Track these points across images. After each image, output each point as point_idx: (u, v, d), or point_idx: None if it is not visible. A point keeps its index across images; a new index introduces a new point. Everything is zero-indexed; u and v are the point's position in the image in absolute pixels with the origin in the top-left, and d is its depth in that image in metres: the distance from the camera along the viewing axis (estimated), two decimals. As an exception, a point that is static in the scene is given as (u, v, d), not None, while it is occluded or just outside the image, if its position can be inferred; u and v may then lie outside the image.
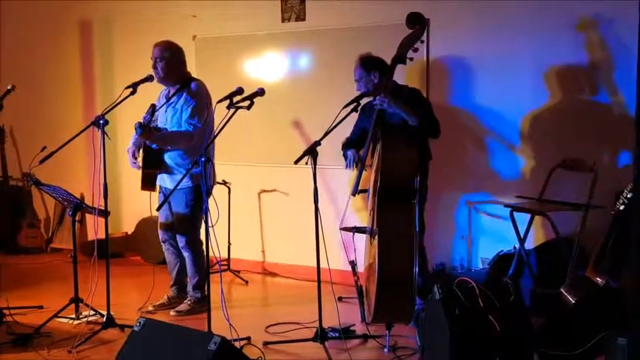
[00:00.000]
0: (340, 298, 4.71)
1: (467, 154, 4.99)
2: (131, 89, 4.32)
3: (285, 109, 5.54)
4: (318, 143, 3.88)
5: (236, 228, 5.63)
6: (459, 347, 3.17)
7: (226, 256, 5.63)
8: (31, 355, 3.91)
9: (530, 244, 4.59)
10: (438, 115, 4.35)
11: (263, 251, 5.82)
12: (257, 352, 3.86)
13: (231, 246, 5.63)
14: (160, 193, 4.72)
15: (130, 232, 6.30)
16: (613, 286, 3.56)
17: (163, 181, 4.65)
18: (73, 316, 4.44)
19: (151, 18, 6.08)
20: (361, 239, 4.53)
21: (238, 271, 5.65)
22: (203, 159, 3.79)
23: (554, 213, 4.28)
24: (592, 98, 4.59)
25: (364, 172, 4.36)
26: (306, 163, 3.85)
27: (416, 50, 4.17)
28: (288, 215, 5.60)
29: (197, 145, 4.42)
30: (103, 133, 4.16)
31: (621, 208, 3.48)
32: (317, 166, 3.87)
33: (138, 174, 4.66)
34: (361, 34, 5.16)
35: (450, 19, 4.83)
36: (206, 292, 4.07)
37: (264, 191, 5.76)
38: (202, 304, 4.52)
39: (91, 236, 6.18)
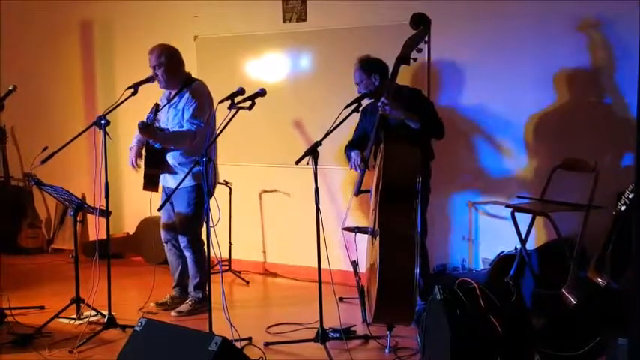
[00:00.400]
0: (341, 299, 4.70)
1: (468, 155, 4.99)
2: (132, 89, 4.33)
3: (286, 109, 5.54)
4: (319, 144, 3.88)
5: (237, 228, 5.64)
6: (460, 348, 3.17)
7: (227, 257, 5.63)
8: (33, 356, 3.91)
9: (531, 245, 4.59)
10: (439, 115, 4.35)
11: (264, 251, 5.82)
12: (258, 352, 3.86)
13: (232, 246, 5.64)
14: (162, 193, 4.72)
15: (131, 233, 6.30)
16: (614, 287, 3.55)
17: (165, 180, 4.66)
18: (75, 316, 4.44)
19: (152, 18, 6.09)
20: (362, 240, 4.54)
21: (239, 272, 5.66)
22: (204, 159, 3.80)
23: (555, 213, 4.27)
24: (593, 99, 4.59)
25: (366, 173, 4.36)
26: (307, 164, 3.85)
27: (420, 51, 4.17)
28: (289, 216, 5.60)
29: (199, 144, 4.43)
30: (105, 133, 4.17)
31: (622, 208, 3.47)
32: (318, 167, 3.87)
33: (140, 174, 4.66)
34: (362, 34, 5.16)
35: (452, 21, 4.83)
36: (207, 293, 4.08)
37: (265, 192, 5.76)
38: (203, 305, 4.52)
39: (92, 236, 6.20)
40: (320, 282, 3.93)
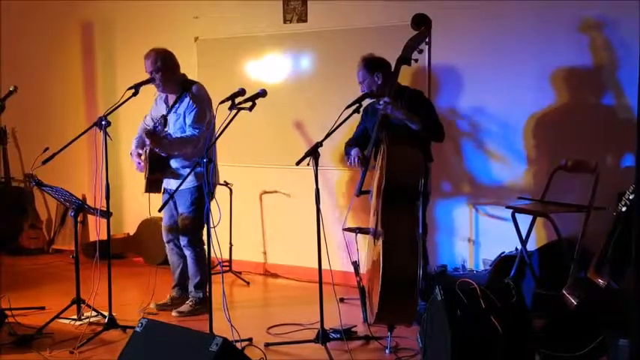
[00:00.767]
0: (342, 299, 4.70)
1: (468, 156, 4.99)
2: (133, 90, 4.32)
3: (287, 110, 5.54)
4: (319, 144, 3.88)
5: (238, 229, 5.64)
6: (461, 348, 3.17)
7: (228, 257, 5.63)
8: (33, 356, 3.91)
9: (532, 246, 4.58)
10: (440, 118, 4.35)
11: (264, 252, 5.82)
12: (259, 353, 3.86)
13: (232, 247, 5.64)
14: (165, 195, 4.72)
15: (131, 233, 6.31)
16: (615, 288, 3.55)
17: (169, 184, 4.66)
18: (75, 317, 4.44)
19: (152, 19, 6.09)
20: (363, 240, 4.54)
21: (240, 272, 5.66)
22: (205, 160, 3.80)
23: (556, 214, 4.27)
24: (594, 100, 4.59)
25: (367, 173, 4.36)
26: (308, 165, 3.85)
27: (421, 52, 4.17)
28: (290, 216, 5.60)
29: (201, 147, 4.44)
30: (105, 134, 4.17)
31: (623, 209, 3.47)
32: (319, 168, 3.87)
33: (140, 175, 4.66)
34: (363, 35, 5.16)
35: (452, 22, 4.83)
36: (207, 293, 4.08)
37: (266, 192, 5.76)
38: (204, 305, 4.52)
39: (92, 237, 6.21)
40: (320, 283, 3.93)
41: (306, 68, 5.55)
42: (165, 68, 4.52)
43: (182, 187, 4.32)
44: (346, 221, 4.62)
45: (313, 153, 3.84)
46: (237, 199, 5.62)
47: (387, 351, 3.94)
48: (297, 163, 3.85)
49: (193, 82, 4.66)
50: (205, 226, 3.92)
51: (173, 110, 4.58)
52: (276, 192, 5.71)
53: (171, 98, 4.64)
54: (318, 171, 3.87)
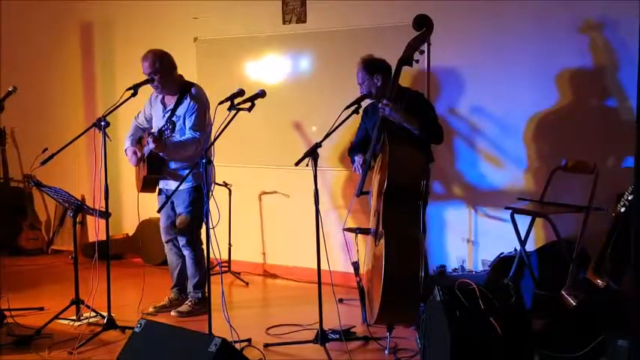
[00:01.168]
0: (341, 300, 4.70)
1: (468, 157, 4.99)
2: (132, 91, 4.32)
3: (286, 110, 5.54)
4: (318, 145, 3.88)
5: (237, 229, 5.64)
6: (460, 349, 3.17)
7: (227, 258, 5.63)
8: (32, 357, 3.91)
9: (531, 246, 4.59)
10: (439, 118, 4.35)
11: (264, 253, 5.82)
12: (258, 353, 3.86)
13: (231, 247, 5.64)
14: (160, 194, 4.73)
15: (130, 234, 6.31)
16: (614, 288, 3.55)
17: (167, 184, 4.65)
18: (74, 317, 4.44)
19: (152, 20, 6.09)
20: (363, 241, 4.54)
21: (239, 273, 5.66)
22: (204, 160, 3.80)
23: (555, 215, 4.27)
24: (593, 101, 4.59)
25: (367, 174, 4.36)
26: (307, 165, 3.85)
27: (422, 52, 4.18)
28: (289, 217, 5.60)
29: (201, 149, 4.43)
30: (104, 134, 4.17)
31: (622, 210, 3.47)
32: (318, 168, 3.87)
33: (139, 178, 4.66)
34: (362, 36, 5.16)
35: (452, 22, 4.83)
36: (207, 294, 4.08)
37: (265, 193, 5.76)
38: (203, 305, 4.52)
39: (91, 238, 6.21)
40: (320, 283, 3.93)
41: (305, 69, 5.55)
42: (163, 70, 4.51)
43: (180, 188, 4.31)
44: (346, 221, 4.61)
45: (312, 153, 3.84)
46: (236, 199, 5.62)
47: (386, 351, 3.94)
48: (297, 164, 3.85)
49: (192, 84, 4.66)
50: (204, 226, 3.92)
51: (174, 115, 4.58)
52: (275, 192, 5.71)
53: (168, 99, 4.64)
54: (317, 171, 3.87)
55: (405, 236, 3.96)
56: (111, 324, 4.23)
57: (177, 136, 4.52)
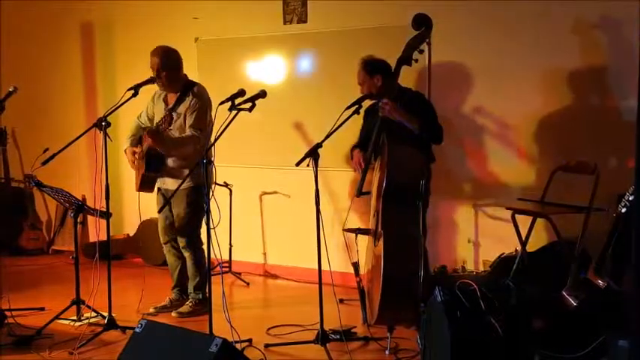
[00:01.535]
0: (341, 300, 4.70)
1: (468, 157, 4.99)
2: (133, 91, 4.32)
3: (286, 111, 5.54)
4: (319, 145, 3.88)
5: (237, 230, 5.64)
6: (461, 349, 3.17)
7: (227, 258, 5.63)
8: (33, 357, 3.92)
9: (532, 247, 4.58)
10: (440, 118, 4.35)
11: (264, 253, 5.82)
12: (258, 354, 3.86)
13: (232, 248, 5.64)
14: (158, 194, 4.72)
15: (131, 234, 6.31)
16: (615, 289, 3.55)
17: (164, 183, 4.65)
18: (75, 317, 4.44)
19: (152, 20, 6.10)
20: (363, 241, 4.53)
21: (239, 273, 5.66)
22: (205, 160, 3.80)
23: (555, 215, 4.27)
24: (594, 101, 4.60)
25: (367, 174, 4.36)
26: (308, 165, 3.85)
27: (421, 52, 4.18)
28: (290, 217, 5.60)
29: (200, 148, 4.43)
30: (105, 134, 4.17)
31: (623, 210, 3.47)
32: (318, 168, 3.87)
33: (138, 177, 4.65)
34: (363, 36, 5.16)
35: (453, 22, 4.83)
36: (207, 294, 4.08)
37: (266, 193, 5.76)
38: (204, 306, 4.52)
39: (92, 238, 6.21)
40: (320, 284, 3.93)
41: (306, 69, 5.55)
42: (171, 66, 4.52)
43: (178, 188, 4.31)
44: (346, 222, 4.61)
45: (313, 154, 3.84)
46: (237, 199, 5.62)
47: (386, 352, 3.94)
48: (297, 164, 3.85)
49: (195, 83, 4.67)
50: (205, 226, 3.92)
51: (173, 109, 4.58)
52: (276, 193, 5.71)
53: (171, 97, 4.64)
54: (318, 172, 3.87)
55: (403, 236, 3.96)
56: (111, 324, 4.23)
57: (176, 133, 4.52)
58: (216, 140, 4.11)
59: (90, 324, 4.35)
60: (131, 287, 5.37)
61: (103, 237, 4.39)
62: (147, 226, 5.93)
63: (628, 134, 4.13)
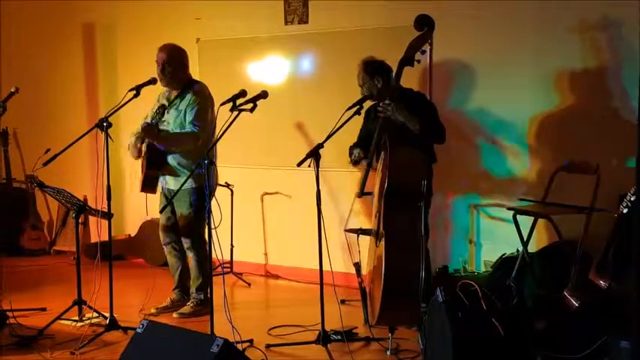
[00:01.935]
0: (343, 301, 4.70)
1: (469, 157, 4.98)
2: (134, 92, 4.33)
3: (288, 111, 5.54)
4: (320, 146, 3.88)
5: (239, 230, 5.64)
6: (462, 350, 3.17)
7: (229, 259, 5.63)
8: (34, 357, 3.92)
9: (533, 247, 4.58)
10: (441, 118, 4.35)
11: (265, 253, 5.82)
12: (259, 354, 3.86)
13: (233, 248, 5.64)
14: (161, 194, 4.73)
15: (133, 235, 6.31)
16: (616, 289, 3.55)
17: (166, 182, 4.66)
18: (76, 318, 4.44)
19: (154, 21, 6.10)
20: (365, 241, 4.53)
21: (241, 274, 5.66)
22: (206, 161, 3.80)
23: (557, 216, 4.27)
24: (596, 101, 4.59)
25: (369, 174, 4.36)
26: (309, 166, 3.85)
27: (423, 52, 4.18)
28: (291, 218, 5.60)
29: (201, 146, 4.44)
30: (107, 135, 4.17)
31: (625, 211, 3.47)
32: (320, 169, 3.87)
33: (140, 177, 4.66)
34: (364, 36, 5.16)
35: (454, 22, 4.82)
36: (209, 295, 4.07)
37: (267, 194, 5.76)
38: (205, 307, 4.52)
39: (94, 238, 6.21)
40: (321, 284, 3.93)
41: (307, 69, 5.55)
42: (177, 63, 4.54)
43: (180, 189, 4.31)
44: (348, 222, 4.61)
45: (314, 154, 3.84)
46: (238, 200, 5.62)
47: (388, 352, 3.94)
48: (299, 165, 3.85)
49: (196, 81, 4.68)
50: (206, 227, 3.92)
51: (174, 107, 4.59)
52: (277, 193, 5.71)
53: (175, 96, 4.65)
54: (319, 172, 3.87)
55: (405, 237, 3.96)
56: (113, 325, 4.23)
57: (177, 129, 4.51)
58: (217, 141, 4.12)
59: (91, 324, 4.35)
60: (132, 288, 5.37)
61: (105, 237, 4.39)
62: (148, 226, 5.94)
63: (629, 134, 4.14)
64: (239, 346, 3.73)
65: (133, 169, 4.86)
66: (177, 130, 4.54)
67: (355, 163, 4.43)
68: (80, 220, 4.56)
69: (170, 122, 4.59)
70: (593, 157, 4.32)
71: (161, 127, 4.57)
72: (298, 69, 5.57)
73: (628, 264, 3.45)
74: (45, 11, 6.62)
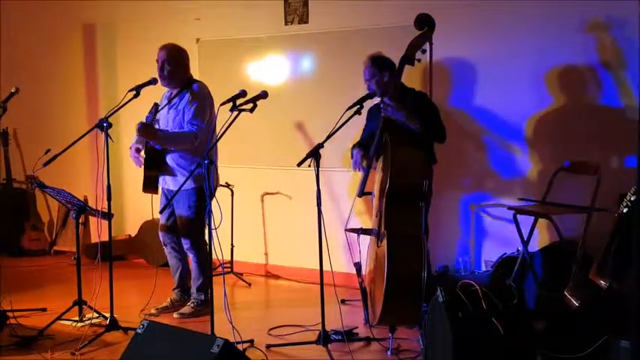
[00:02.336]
0: (343, 301, 4.70)
1: (470, 157, 4.98)
2: (134, 92, 4.33)
3: (288, 111, 5.54)
4: (321, 146, 3.88)
5: (239, 230, 5.64)
6: (462, 350, 3.17)
7: (229, 259, 5.63)
8: (35, 358, 3.92)
9: (533, 247, 4.58)
10: (442, 117, 4.35)
11: (266, 254, 5.82)
12: (260, 354, 3.86)
13: (234, 248, 5.64)
14: (162, 195, 4.73)
15: (133, 235, 6.31)
16: (616, 289, 3.55)
17: (165, 182, 4.66)
18: (77, 318, 4.44)
19: (154, 21, 6.10)
20: (366, 241, 4.53)
21: (241, 274, 5.66)
22: (206, 161, 3.80)
23: (557, 216, 4.27)
24: (596, 101, 4.59)
25: (370, 174, 4.36)
26: (309, 166, 3.85)
27: (424, 52, 4.17)
28: (291, 218, 5.60)
29: (199, 146, 4.44)
30: (107, 135, 4.17)
31: (625, 210, 3.47)
32: (320, 169, 3.87)
33: (141, 176, 4.66)
34: (364, 36, 5.16)
35: (454, 21, 4.82)
36: (209, 295, 4.07)
37: (267, 194, 5.76)
38: (205, 307, 4.52)
39: (94, 239, 6.22)
40: (322, 284, 3.93)
41: (307, 69, 5.55)
42: (177, 61, 4.55)
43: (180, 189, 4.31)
44: (349, 222, 4.61)
45: (314, 154, 3.84)
46: (238, 200, 5.63)
47: (388, 352, 3.94)
48: (299, 165, 3.85)
49: (196, 81, 4.68)
50: (207, 227, 3.92)
51: (173, 106, 4.59)
52: (277, 193, 5.71)
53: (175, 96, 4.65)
54: (320, 172, 3.87)
55: (407, 237, 3.96)
56: (113, 325, 4.23)
57: (176, 129, 4.51)
58: (217, 141, 4.11)
59: (92, 325, 4.35)
60: (133, 288, 5.38)
61: (105, 238, 4.39)
62: (148, 226, 5.94)
63: (630, 134, 4.15)
64: (239, 347, 3.73)
65: (133, 169, 4.84)
66: (176, 130, 4.53)
67: (358, 166, 4.42)
68: (80, 221, 4.56)
69: (170, 121, 4.59)
70: (594, 157, 4.32)
71: (161, 128, 4.57)
72: (298, 69, 5.57)
73: (628, 264, 3.45)
74: (45, 11, 6.62)
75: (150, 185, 4.62)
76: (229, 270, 5.60)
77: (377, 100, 4.34)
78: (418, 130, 4.11)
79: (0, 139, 6.50)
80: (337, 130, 3.93)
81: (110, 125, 4.18)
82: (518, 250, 4.59)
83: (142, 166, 4.63)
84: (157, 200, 4.71)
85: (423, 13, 4.19)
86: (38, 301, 4.86)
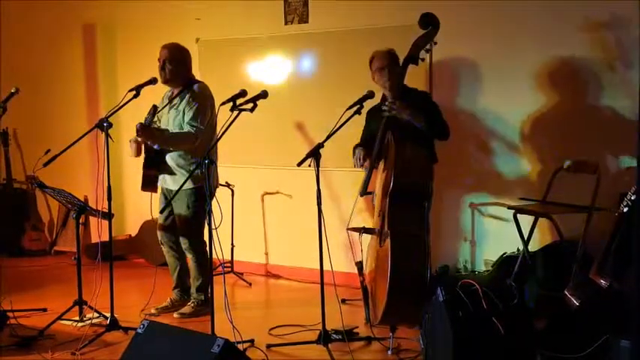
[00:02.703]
0: (343, 301, 4.70)
1: (470, 156, 4.98)
2: (134, 92, 4.33)
3: (288, 111, 5.54)
4: (321, 145, 3.88)
5: (239, 230, 5.64)
6: (463, 350, 3.17)
7: (230, 259, 5.63)
8: (35, 358, 3.92)
9: (534, 247, 4.58)
10: (443, 117, 4.35)
11: (266, 253, 5.82)
12: (260, 354, 3.86)
13: (234, 248, 5.64)
14: (161, 194, 4.73)
15: (133, 235, 6.31)
16: (617, 288, 3.55)
17: (165, 182, 4.65)
18: (77, 318, 4.44)
19: (154, 21, 6.10)
20: (367, 241, 4.53)
21: (241, 274, 5.66)
22: (206, 161, 3.80)
23: (557, 215, 4.27)
24: (596, 101, 4.58)
25: (372, 173, 4.35)
26: (309, 165, 3.85)
27: (428, 51, 4.17)
28: (292, 217, 5.60)
29: (199, 146, 4.44)
30: (107, 135, 4.17)
31: (625, 210, 3.47)
32: (320, 168, 3.88)
33: (141, 176, 4.66)
34: (365, 36, 5.15)
35: (454, 21, 4.81)
36: (209, 295, 4.07)
37: (268, 193, 5.77)
38: (205, 307, 4.52)
39: (94, 239, 6.22)
40: (322, 284, 3.93)
41: (307, 69, 5.55)
42: (178, 60, 4.55)
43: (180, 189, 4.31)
44: (350, 221, 4.61)
45: (314, 154, 3.84)
46: (238, 200, 5.63)
47: (389, 352, 3.94)
48: (299, 164, 3.85)
49: (197, 81, 4.68)
50: (207, 227, 3.91)
51: (174, 107, 4.59)
52: (277, 193, 5.71)
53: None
54: (320, 172, 3.88)
55: (410, 236, 3.96)
56: (114, 325, 4.23)
57: (176, 129, 4.51)
58: (217, 140, 4.11)
59: (92, 325, 4.35)
60: (133, 288, 5.38)
61: (105, 238, 4.39)
62: (149, 226, 5.94)
63: (630, 134, 4.15)
64: (240, 346, 3.73)
65: (133, 170, 4.84)
66: (177, 130, 4.53)
67: (360, 163, 4.42)
68: (81, 221, 4.56)
69: (170, 122, 4.59)
70: (595, 156, 4.32)
71: (161, 128, 4.57)
72: (298, 69, 5.57)
73: (629, 263, 3.45)
74: (45, 11, 6.62)
75: (149, 184, 4.62)
76: (229, 270, 5.61)
77: (377, 100, 4.34)
78: (423, 128, 4.11)
79: (0, 139, 6.50)
80: (337, 129, 3.93)
81: (110, 125, 4.18)
82: (518, 250, 4.59)
83: (137, 156, 4.60)
84: (157, 200, 4.71)
85: (427, 13, 4.19)
86: (38, 301, 4.86)
